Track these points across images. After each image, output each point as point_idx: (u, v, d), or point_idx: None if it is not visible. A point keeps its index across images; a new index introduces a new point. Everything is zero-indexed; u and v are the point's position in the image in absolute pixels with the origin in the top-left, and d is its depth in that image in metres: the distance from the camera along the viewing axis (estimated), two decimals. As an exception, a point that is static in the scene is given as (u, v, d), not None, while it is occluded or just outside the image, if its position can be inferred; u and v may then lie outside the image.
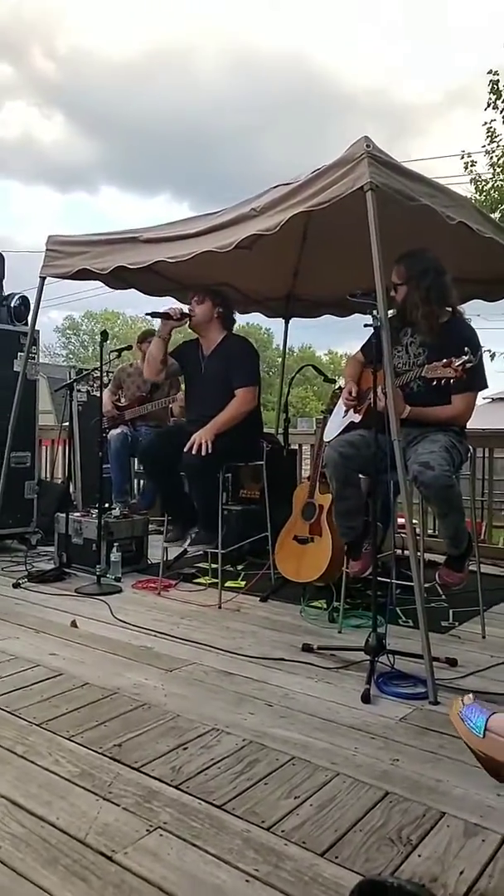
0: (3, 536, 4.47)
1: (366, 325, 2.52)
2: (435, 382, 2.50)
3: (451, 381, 2.43)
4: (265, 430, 4.04)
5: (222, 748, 1.81)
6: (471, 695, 1.48)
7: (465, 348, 2.41)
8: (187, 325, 3.47)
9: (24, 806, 1.53)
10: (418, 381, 2.70)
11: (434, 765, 1.74)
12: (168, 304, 3.98)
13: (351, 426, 2.98)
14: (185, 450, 3.13)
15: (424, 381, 2.69)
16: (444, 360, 2.42)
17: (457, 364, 2.38)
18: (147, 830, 1.44)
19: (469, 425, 2.81)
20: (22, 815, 1.50)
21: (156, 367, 3.51)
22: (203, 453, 3.09)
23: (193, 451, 3.10)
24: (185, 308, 3.46)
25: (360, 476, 2.79)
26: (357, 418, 2.97)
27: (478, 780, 1.62)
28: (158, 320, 3.39)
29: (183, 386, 4.61)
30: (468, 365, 2.38)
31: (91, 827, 1.45)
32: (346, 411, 3.02)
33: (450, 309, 2.80)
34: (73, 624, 2.87)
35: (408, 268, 2.77)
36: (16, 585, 3.52)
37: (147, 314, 3.63)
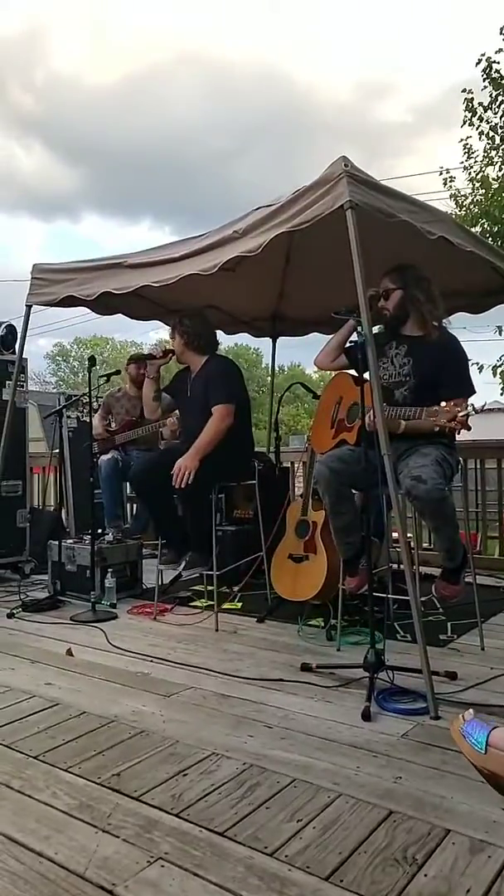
0: (-4, 566, 4.43)
1: (351, 342, 2.54)
2: (424, 395, 2.52)
3: (448, 429, 2.42)
4: (256, 448, 4.05)
5: (222, 773, 1.78)
6: (471, 710, 1.47)
7: (471, 403, 2.42)
8: (175, 359, 3.58)
9: (21, 842, 1.50)
10: (404, 392, 2.72)
11: (437, 781, 1.72)
12: (155, 327, 4.05)
13: (342, 443, 2.99)
14: (174, 483, 3.13)
15: (411, 392, 2.70)
16: (447, 408, 2.40)
17: (461, 415, 2.37)
18: (148, 861, 1.42)
19: (460, 437, 2.82)
20: (19, 850, 1.47)
21: (151, 406, 3.69)
22: (183, 484, 3.10)
23: (176, 483, 3.11)
24: (167, 345, 3.59)
25: (353, 491, 2.79)
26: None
27: (482, 796, 1.60)
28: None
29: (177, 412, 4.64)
30: (470, 416, 2.38)
31: (90, 860, 1.42)
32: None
33: (436, 324, 2.84)
34: (69, 652, 2.84)
35: (401, 275, 2.83)
36: (10, 615, 3.48)
37: (131, 360, 3.72)
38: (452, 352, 2.80)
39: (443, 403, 2.41)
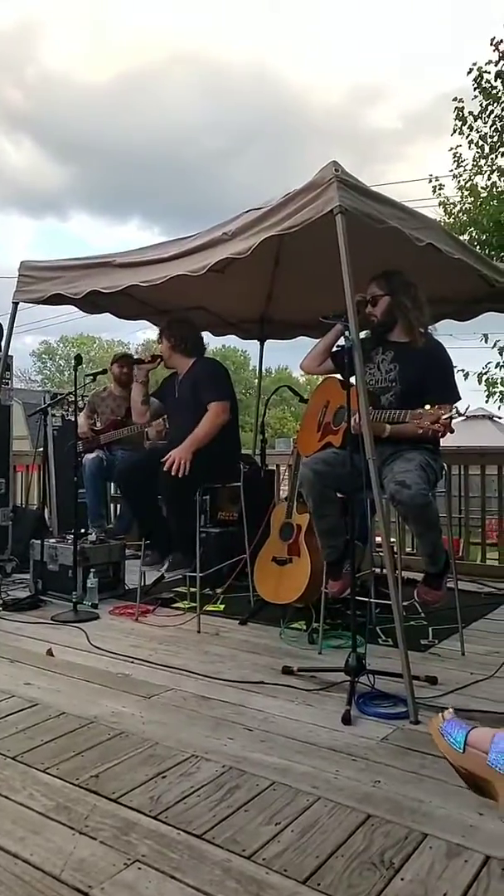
0: (-23, 565, 4.39)
1: (338, 347, 2.55)
2: (410, 401, 2.53)
3: (431, 432, 2.43)
4: (242, 451, 4.04)
5: (202, 775, 1.78)
6: (451, 709, 1.47)
7: (455, 406, 2.44)
8: (162, 365, 3.61)
9: (-3, 843, 1.48)
10: (390, 397, 2.74)
11: (416, 785, 1.73)
12: (142, 327, 4.06)
13: (328, 446, 2.99)
14: (165, 468, 3.13)
15: (397, 398, 2.72)
16: (431, 411, 2.42)
17: (445, 418, 2.39)
18: (125, 864, 1.41)
19: (444, 443, 2.84)
20: (-5, 852, 1.45)
21: (139, 410, 3.70)
22: (181, 474, 3.10)
23: (172, 471, 3.10)
24: (155, 348, 3.60)
25: (338, 494, 2.80)
26: None
27: (460, 800, 1.61)
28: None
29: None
30: (454, 420, 2.40)
31: (66, 862, 1.41)
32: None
33: (422, 331, 2.86)
34: (49, 652, 2.82)
35: (388, 281, 2.85)
36: (-10, 614, 3.45)
37: (115, 359, 3.71)
38: (438, 358, 2.82)
39: (427, 406, 2.43)
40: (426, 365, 2.76)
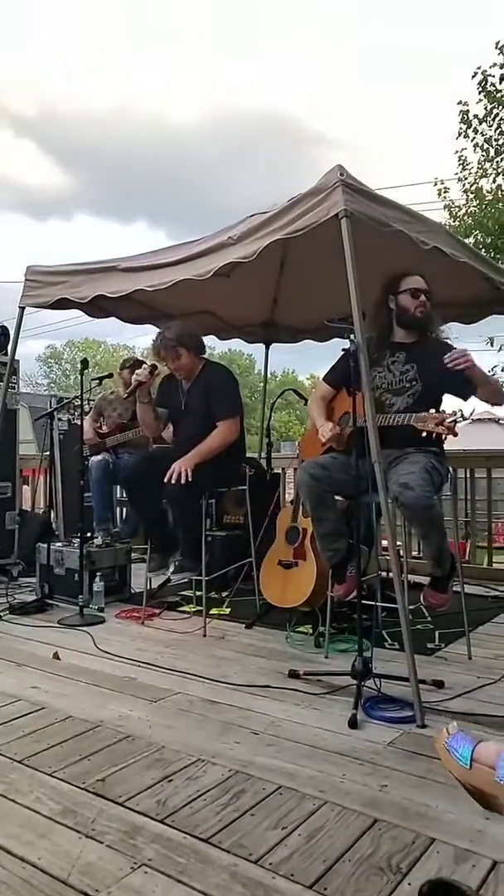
0: (-17, 568, 4.41)
1: (343, 350, 2.55)
2: (428, 400, 2.54)
3: (434, 434, 2.45)
4: (248, 454, 4.04)
5: (208, 779, 1.77)
6: (455, 724, 1.47)
7: (460, 409, 2.46)
8: (170, 371, 3.50)
9: (4, 846, 1.49)
10: (407, 398, 2.75)
11: (423, 790, 1.72)
12: (147, 331, 4.04)
13: (331, 450, 2.99)
14: (166, 480, 3.11)
15: (415, 397, 2.73)
16: (435, 414, 2.43)
17: (449, 421, 2.39)
18: (131, 868, 1.41)
19: (450, 446, 2.83)
20: (2, 855, 1.45)
21: (152, 426, 3.60)
22: (182, 482, 3.08)
23: (173, 481, 3.09)
24: (148, 362, 3.53)
25: (338, 498, 2.79)
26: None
27: (467, 805, 1.59)
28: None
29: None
30: (458, 423, 2.41)
31: (73, 866, 1.41)
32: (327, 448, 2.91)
33: (430, 332, 2.87)
34: (56, 656, 2.82)
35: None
36: (-3, 618, 3.47)
37: (124, 365, 3.66)
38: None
39: (431, 410, 2.44)
40: (443, 365, 2.76)
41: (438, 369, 2.70)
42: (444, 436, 2.42)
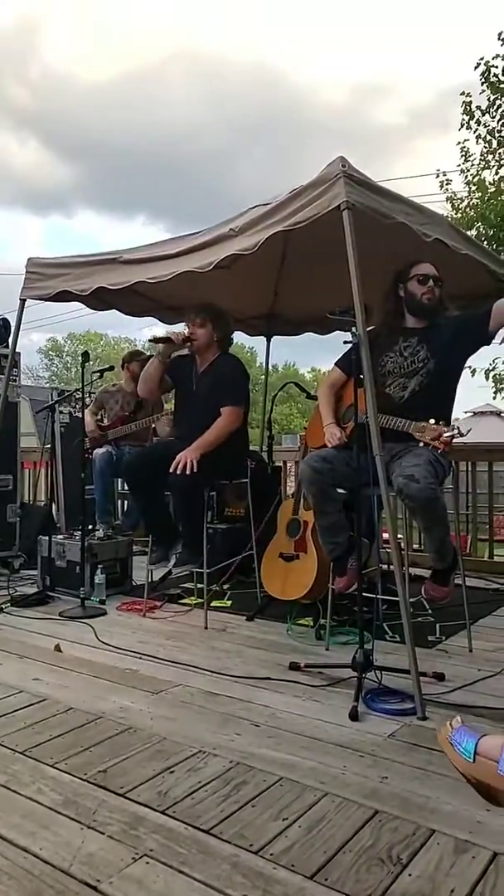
0: (-15, 561, 4.42)
1: (346, 342, 2.54)
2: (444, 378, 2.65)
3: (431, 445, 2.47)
4: (249, 447, 4.04)
5: (209, 770, 1.78)
6: (458, 717, 1.47)
7: (458, 426, 2.45)
8: (189, 349, 3.50)
9: (6, 837, 1.49)
10: (421, 378, 2.75)
11: (423, 781, 1.73)
12: (149, 324, 4.01)
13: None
14: (171, 469, 3.11)
15: (429, 376, 2.75)
16: (434, 426, 2.44)
17: (446, 436, 2.40)
18: (133, 858, 1.41)
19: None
20: (4, 846, 1.46)
21: (152, 387, 3.56)
22: (188, 472, 3.08)
23: (179, 471, 3.09)
24: (187, 331, 3.47)
25: (340, 490, 2.78)
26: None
27: (467, 796, 1.60)
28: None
29: (166, 405, 4.61)
30: (454, 439, 2.41)
31: (75, 857, 1.42)
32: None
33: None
34: (57, 648, 2.83)
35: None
36: (-2, 610, 3.47)
37: (151, 340, 3.67)
38: (461, 315, 2.87)
39: (431, 421, 2.45)
40: (455, 326, 2.78)
41: (452, 337, 2.71)
42: (439, 449, 2.43)
